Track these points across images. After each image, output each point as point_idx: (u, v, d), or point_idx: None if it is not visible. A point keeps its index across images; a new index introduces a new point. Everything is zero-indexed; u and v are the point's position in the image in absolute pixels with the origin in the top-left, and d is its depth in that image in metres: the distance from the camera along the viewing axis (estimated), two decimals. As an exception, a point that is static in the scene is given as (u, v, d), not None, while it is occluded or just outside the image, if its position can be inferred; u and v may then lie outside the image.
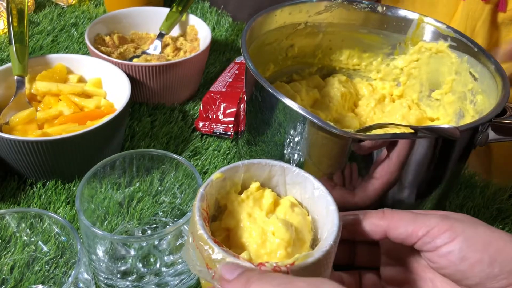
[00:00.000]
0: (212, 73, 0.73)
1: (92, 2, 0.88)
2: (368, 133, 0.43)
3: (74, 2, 0.87)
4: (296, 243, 0.34)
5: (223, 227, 0.36)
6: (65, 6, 0.86)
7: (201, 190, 0.35)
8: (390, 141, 0.40)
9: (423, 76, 0.58)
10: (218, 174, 0.36)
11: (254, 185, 0.37)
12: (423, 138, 0.39)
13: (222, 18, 0.87)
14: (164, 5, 0.86)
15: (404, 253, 0.36)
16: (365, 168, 0.43)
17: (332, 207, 0.34)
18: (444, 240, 0.30)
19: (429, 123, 0.57)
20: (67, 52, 0.75)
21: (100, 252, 0.41)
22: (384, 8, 0.57)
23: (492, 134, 0.42)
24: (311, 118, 0.40)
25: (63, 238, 0.39)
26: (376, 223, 0.34)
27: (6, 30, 0.78)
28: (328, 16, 0.58)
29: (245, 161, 0.37)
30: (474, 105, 0.50)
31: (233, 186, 0.37)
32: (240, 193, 0.37)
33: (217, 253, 0.30)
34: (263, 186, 0.38)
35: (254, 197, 0.37)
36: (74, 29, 0.80)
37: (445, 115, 0.56)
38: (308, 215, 0.37)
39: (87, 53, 0.74)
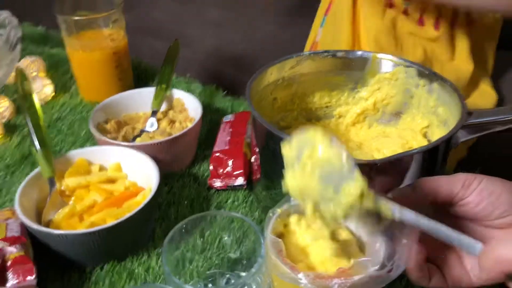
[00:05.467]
0: (203, 134, 0.81)
1: (67, 95, 0.94)
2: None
3: (50, 98, 0.92)
4: (343, 255, 0.45)
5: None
6: (42, 103, 0.91)
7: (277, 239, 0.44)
8: (393, 161, 0.51)
9: (387, 99, 0.70)
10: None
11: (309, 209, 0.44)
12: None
13: (192, 84, 0.95)
14: (136, 87, 0.92)
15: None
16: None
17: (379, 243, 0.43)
18: (476, 184, 0.41)
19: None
20: (63, 146, 0.80)
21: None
22: (343, 52, 0.69)
23: (462, 135, 0.55)
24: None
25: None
26: (430, 185, 0.42)
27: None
28: (299, 69, 0.69)
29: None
30: (437, 116, 0.63)
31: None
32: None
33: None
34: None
35: (306, 223, 0.47)
36: (61, 124, 0.85)
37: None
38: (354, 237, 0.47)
39: (83, 143, 0.80)
